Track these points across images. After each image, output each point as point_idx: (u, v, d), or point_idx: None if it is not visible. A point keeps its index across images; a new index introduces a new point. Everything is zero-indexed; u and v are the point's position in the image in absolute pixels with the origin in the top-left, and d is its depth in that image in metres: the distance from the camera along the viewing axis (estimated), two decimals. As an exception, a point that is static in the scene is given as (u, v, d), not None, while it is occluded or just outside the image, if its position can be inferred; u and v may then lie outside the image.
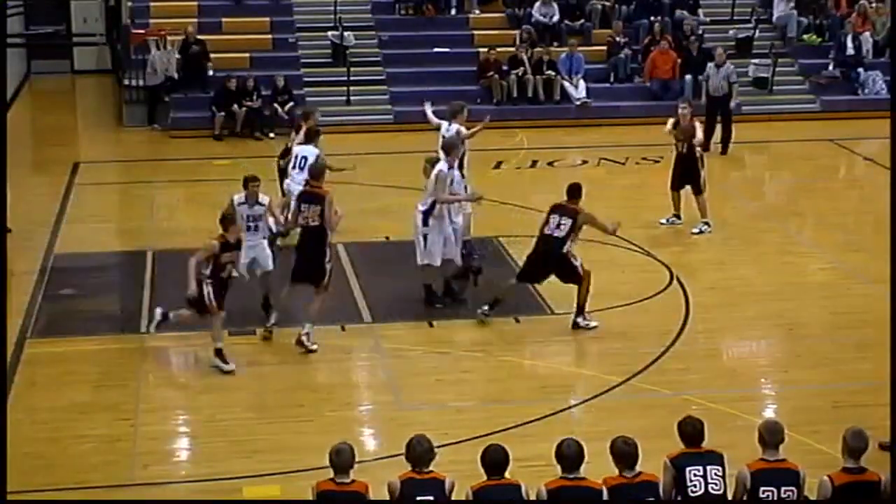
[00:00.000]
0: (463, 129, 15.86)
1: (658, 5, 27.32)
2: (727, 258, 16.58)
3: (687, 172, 17.34)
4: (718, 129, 22.68)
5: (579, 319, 13.80)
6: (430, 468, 8.16)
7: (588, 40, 26.82)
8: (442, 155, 14.56)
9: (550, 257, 13.70)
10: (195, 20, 26.07)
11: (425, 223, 14.13)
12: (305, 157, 15.80)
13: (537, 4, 26.87)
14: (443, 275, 14.55)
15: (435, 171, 14.12)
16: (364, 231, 17.05)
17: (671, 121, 17.59)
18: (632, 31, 26.83)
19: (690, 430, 8.41)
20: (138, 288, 15.39)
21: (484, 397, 12.35)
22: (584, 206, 13.81)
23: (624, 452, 8.16)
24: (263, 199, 13.85)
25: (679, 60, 25.43)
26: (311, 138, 16.13)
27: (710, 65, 23.33)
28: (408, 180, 17.85)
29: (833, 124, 24.86)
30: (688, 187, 17.42)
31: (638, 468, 8.14)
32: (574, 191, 13.87)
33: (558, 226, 13.62)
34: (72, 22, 30.98)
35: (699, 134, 17.65)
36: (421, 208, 14.18)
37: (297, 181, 15.48)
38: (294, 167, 16.07)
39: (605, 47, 26.39)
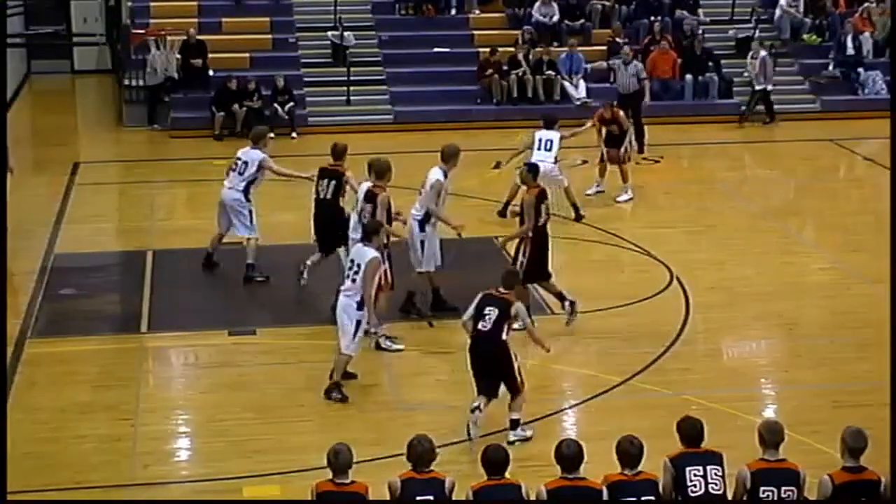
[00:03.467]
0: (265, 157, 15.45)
1: (658, 5, 27.31)
2: (727, 258, 16.58)
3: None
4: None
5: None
6: (431, 468, 8.17)
7: (588, 40, 26.81)
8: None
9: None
10: (195, 20, 26.06)
11: (422, 229, 14.03)
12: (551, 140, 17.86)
13: (537, 4, 26.86)
14: (432, 283, 14.36)
15: (431, 181, 13.99)
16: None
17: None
18: (632, 31, 26.82)
19: (690, 431, 8.42)
20: (138, 288, 15.39)
21: (484, 397, 12.33)
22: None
23: (627, 452, 8.17)
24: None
25: (679, 60, 25.44)
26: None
27: (618, 62, 23.40)
28: (408, 180, 17.82)
29: (833, 124, 24.84)
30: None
31: (640, 468, 8.16)
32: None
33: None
34: (72, 22, 30.97)
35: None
36: (417, 216, 14.08)
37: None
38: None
39: (605, 47, 26.38)
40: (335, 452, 8.15)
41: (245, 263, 15.34)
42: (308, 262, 14.71)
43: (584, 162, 20.25)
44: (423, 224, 14.01)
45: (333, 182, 14.47)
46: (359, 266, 12.02)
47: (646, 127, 22.42)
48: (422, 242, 14.03)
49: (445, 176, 14.03)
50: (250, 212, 15.35)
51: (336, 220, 14.40)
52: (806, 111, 25.85)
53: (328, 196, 14.48)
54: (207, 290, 15.63)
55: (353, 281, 12.02)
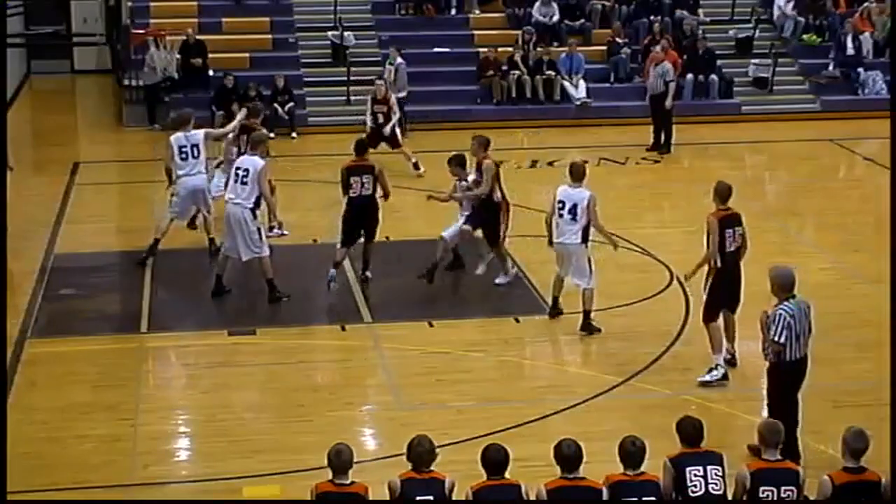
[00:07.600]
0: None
1: (658, 5, 27.32)
2: (727, 258, 16.54)
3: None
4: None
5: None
6: (431, 468, 8.17)
7: (588, 40, 26.83)
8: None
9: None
10: (195, 20, 26.08)
11: (255, 217, 14.48)
12: None
13: (537, 4, 26.87)
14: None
15: (256, 168, 14.34)
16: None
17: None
18: (632, 31, 26.84)
19: (690, 430, 8.42)
20: (138, 288, 15.38)
21: (484, 397, 12.35)
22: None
23: (629, 452, 8.17)
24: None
25: (679, 60, 25.43)
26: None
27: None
28: (408, 180, 17.89)
29: (833, 124, 24.84)
30: None
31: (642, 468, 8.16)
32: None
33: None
34: (72, 22, 30.99)
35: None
36: (248, 205, 14.36)
37: None
38: None
39: (605, 47, 26.40)
40: (335, 452, 8.15)
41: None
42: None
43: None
44: (254, 212, 14.45)
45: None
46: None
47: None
48: (258, 229, 14.51)
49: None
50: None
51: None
52: (806, 111, 25.86)
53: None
54: (207, 290, 15.60)
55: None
